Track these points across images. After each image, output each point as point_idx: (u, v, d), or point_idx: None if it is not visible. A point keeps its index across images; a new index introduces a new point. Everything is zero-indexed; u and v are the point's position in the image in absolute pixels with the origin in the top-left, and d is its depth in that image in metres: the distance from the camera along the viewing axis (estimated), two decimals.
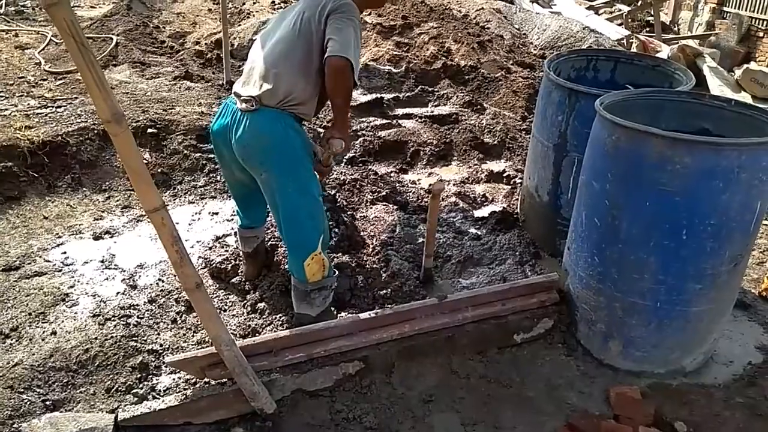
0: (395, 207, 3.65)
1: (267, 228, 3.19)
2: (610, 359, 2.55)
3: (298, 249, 2.51)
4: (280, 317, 2.74)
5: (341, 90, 2.34)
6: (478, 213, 3.69)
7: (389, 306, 2.61)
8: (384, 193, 3.79)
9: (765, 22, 7.91)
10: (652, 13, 8.73)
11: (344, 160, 4.31)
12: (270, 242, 3.16)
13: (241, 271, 3.05)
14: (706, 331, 2.44)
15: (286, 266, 2.97)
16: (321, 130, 4.52)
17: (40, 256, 3.23)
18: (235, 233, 3.22)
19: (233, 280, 3.02)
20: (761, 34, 7.97)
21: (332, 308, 2.70)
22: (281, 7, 7.48)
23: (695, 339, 2.44)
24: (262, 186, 2.49)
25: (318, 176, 2.58)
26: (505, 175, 4.20)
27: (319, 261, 2.52)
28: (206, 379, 2.32)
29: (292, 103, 2.37)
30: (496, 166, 4.38)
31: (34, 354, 2.50)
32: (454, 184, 4.06)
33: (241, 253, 3.05)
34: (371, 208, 3.62)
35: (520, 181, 3.99)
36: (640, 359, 2.49)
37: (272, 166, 2.38)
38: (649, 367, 2.49)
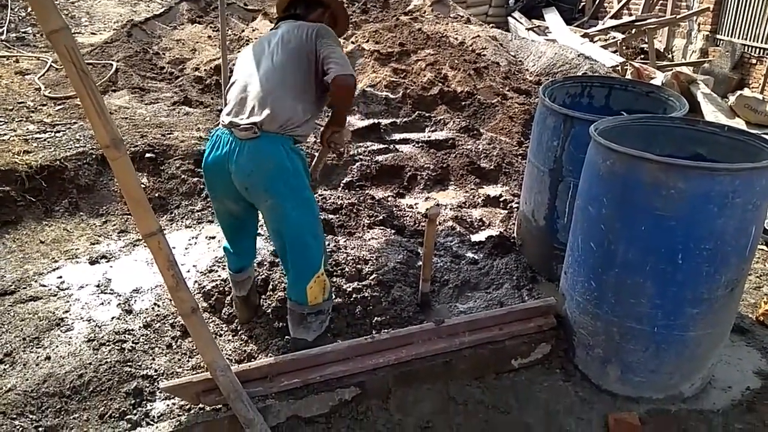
0: (393, 231, 3.66)
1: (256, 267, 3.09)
2: (608, 385, 2.53)
3: (303, 272, 2.49)
4: (277, 342, 2.72)
5: (346, 102, 2.64)
6: (475, 237, 3.70)
7: (386, 330, 2.60)
8: (381, 218, 3.80)
9: (758, 50, 8.03)
10: (647, 40, 8.86)
11: (341, 185, 4.33)
12: (259, 278, 3.08)
13: (233, 314, 2.94)
14: (704, 356, 2.43)
15: (282, 292, 2.96)
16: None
17: (36, 281, 3.22)
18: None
19: (228, 306, 3.01)
20: (754, 61, 8.08)
21: (328, 334, 2.68)
22: None
23: (693, 364, 2.43)
24: (265, 213, 2.49)
25: None
26: (501, 199, 4.21)
27: (321, 283, 2.52)
28: (201, 405, 2.30)
29: (293, 126, 2.41)
30: (493, 190, 4.40)
31: (27, 379, 2.48)
32: (451, 209, 4.07)
33: (234, 296, 2.90)
34: (368, 232, 3.62)
35: (516, 205, 4.01)
36: (638, 385, 2.47)
37: (278, 191, 2.38)
38: (647, 392, 2.48)
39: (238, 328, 2.88)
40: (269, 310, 2.91)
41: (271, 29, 2.80)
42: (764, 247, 3.77)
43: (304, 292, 2.49)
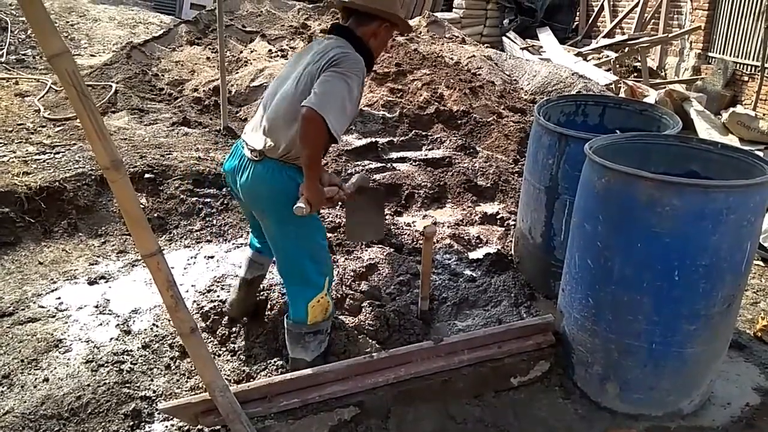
0: (391, 249, 3.67)
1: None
2: (607, 402, 2.53)
3: (302, 290, 2.53)
4: (275, 362, 2.71)
5: (308, 142, 2.22)
6: (473, 255, 3.71)
7: (385, 349, 2.60)
8: None
9: (749, 67, 8.12)
10: (639, 58, 8.96)
11: (340, 204, 4.34)
12: (264, 293, 3.12)
13: (228, 307, 2.99)
14: (703, 373, 2.43)
15: (280, 313, 2.95)
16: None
17: (34, 302, 3.22)
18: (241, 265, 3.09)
19: (227, 325, 3.00)
20: (746, 78, 8.17)
21: (328, 356, 2.68)
22: (278, 56, 7.64)
23: (692, 380, 2.43)
24: (264, 230, 2.57)
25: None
26: (498, 217, 4.23)
27: (324, 303, 2.55)
28: (200, 426, 2.29)
29: (292, 157, 2.41)
30: (490, 208, 4.42)
31: (25, 401, 2.47)
32: (448, 226, 4.09)
33: (235, 283, 2.97)
34: (366, 250, 3.63)
35: (513, 223, 4.03)
36: (637, 402, 2.47)
37: (272, 214, 2.46)
38: (646, 409, 2.47)
39: (236, 348, 2.87)
40: (268, 330, 2.91)
41: (324, 34, 2.68)
42: (760, 263, 3.79)
43: (305, 309, 2.51)
